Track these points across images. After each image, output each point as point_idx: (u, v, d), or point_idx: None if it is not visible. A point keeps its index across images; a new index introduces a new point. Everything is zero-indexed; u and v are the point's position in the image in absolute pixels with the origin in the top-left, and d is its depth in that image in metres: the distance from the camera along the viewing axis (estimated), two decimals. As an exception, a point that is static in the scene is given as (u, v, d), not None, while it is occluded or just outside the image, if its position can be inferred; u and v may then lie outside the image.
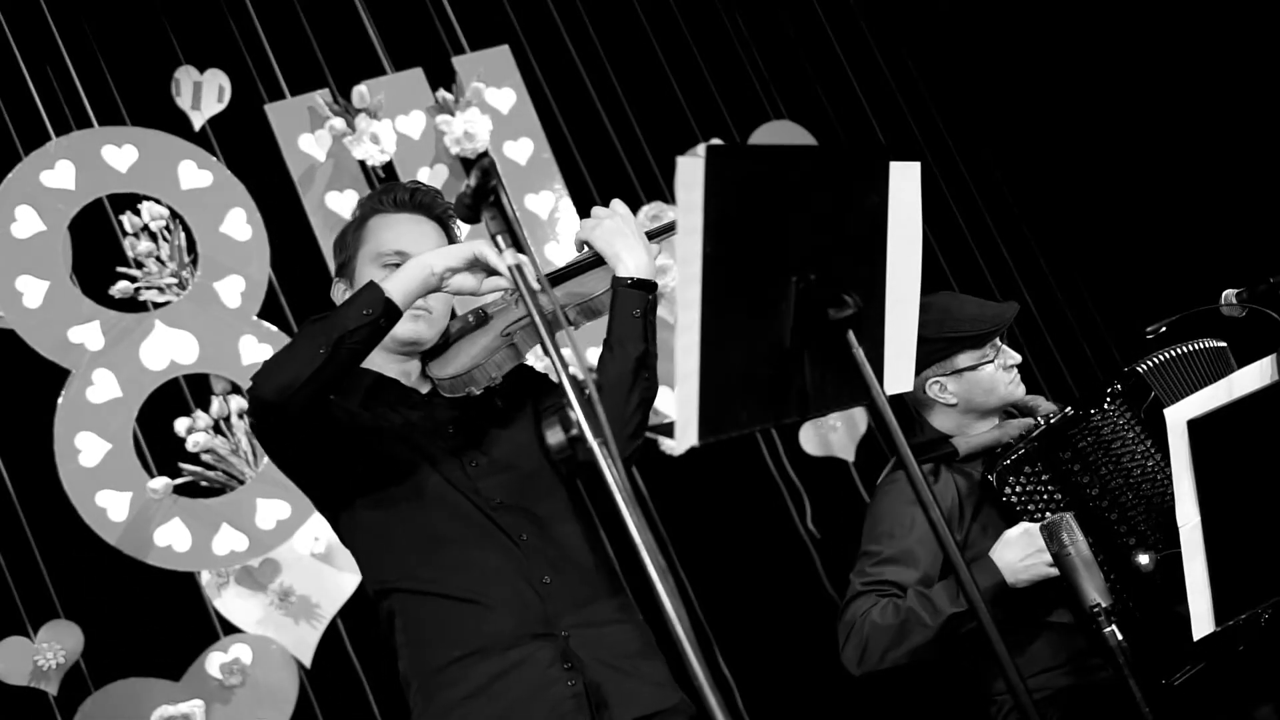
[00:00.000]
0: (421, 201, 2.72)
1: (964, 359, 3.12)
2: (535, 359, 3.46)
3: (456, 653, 2.50)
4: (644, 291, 2.53)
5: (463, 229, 2.83)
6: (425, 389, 2.68)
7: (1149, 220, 5.12)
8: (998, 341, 3.15)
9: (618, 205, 2.58)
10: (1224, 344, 3.20)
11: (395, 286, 2.41)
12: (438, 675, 2.50)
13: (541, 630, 2.50)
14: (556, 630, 2.51)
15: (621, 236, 2.54)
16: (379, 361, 2.63)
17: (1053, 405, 3.25)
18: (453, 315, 2.73)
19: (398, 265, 2.57)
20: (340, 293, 2.70)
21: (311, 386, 2.36)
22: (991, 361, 3.13)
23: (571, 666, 2.49)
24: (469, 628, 2.49)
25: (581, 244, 2.58)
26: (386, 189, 2.75)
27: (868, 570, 3.04)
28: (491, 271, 2.41)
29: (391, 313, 2.40)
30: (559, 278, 2.61)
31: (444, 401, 2.62)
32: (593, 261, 2.59)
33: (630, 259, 2.53)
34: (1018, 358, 3.17)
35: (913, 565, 3.01)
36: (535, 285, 2.08)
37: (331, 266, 2.83)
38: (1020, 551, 2.90)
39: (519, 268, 2.06)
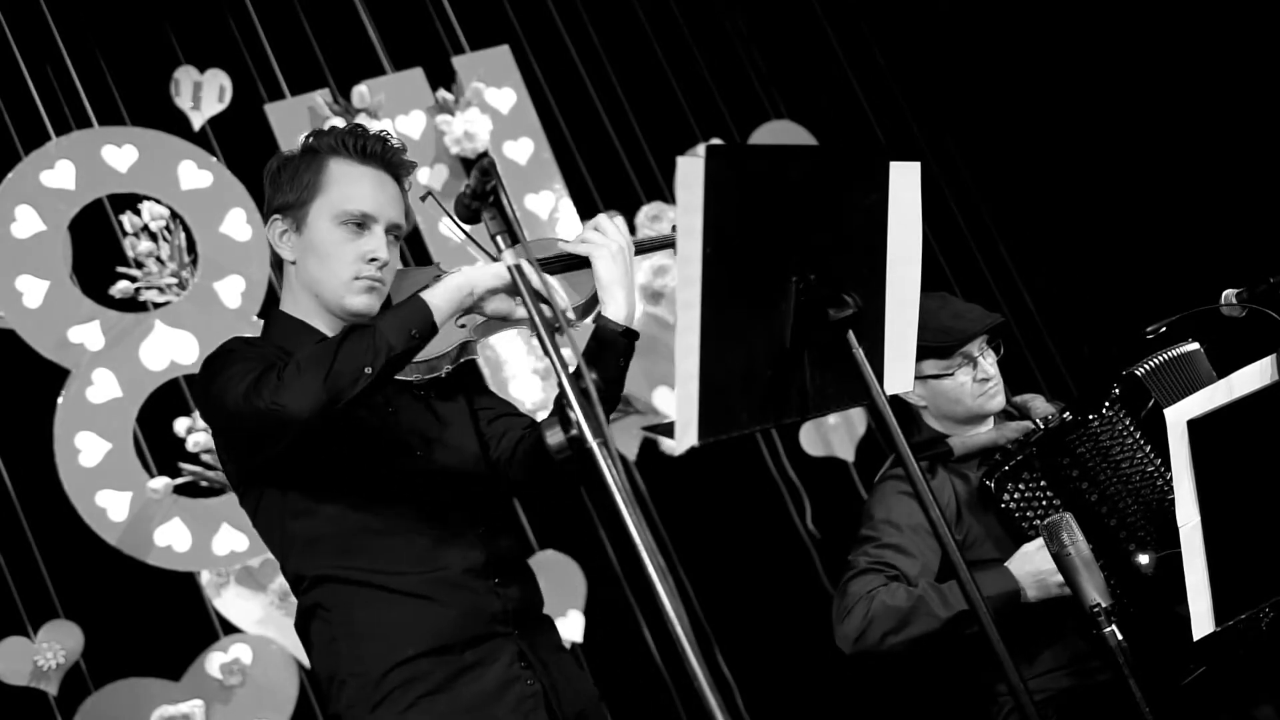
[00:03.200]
0: (391, 159, 2.54)
1: (928, 367, 3.11)
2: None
3: (410, 650, 2.41)
4: (630, 340, 2.46)
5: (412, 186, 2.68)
6: None
7: (1149, 220, 5.12)
8: (973, 352, 3.12)
9: (621, 226, 2.50)
10: (1197, 346, 3.21)
11: (439, 305, 2.29)
12: (389, 674, 2.40)
13: (499, 629, 2.46)
14: (511, 630, 2.48)
15: (620, 272, 2.45)
16: (322, 325, 2.52)
17: (1049, 406, 3.25)
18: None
19: (359, 226, 2.46)
20: (279, 235, 2.51)
21: (348, 404, 2.24)
22: (954, 374, 3.12)
23: (527, 665, 2.47)
24: (424, 625, 2.42)
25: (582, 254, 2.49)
26: (352, 131, 2.53)
27: (870, 551, 3.03)
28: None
29: (432, 334, 2.30)
30: (548, 268, 2.49)
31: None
32: (574, 264, 2.51)
33: (622, 298, 2.45)
34: (992, 371, 3.14)
35: (912, 555, 3.01)
36: (538, 288, 2.07)
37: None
38: (1036, 565, 2.90)
39: (518, 268, 2.06)
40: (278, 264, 2.58)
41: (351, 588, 2.43)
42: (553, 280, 2.30)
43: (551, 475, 2.58)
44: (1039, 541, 2.93)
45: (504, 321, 2.45)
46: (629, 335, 2.46)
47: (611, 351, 2.45)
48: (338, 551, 2.43)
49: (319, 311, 2.52)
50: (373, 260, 2.46)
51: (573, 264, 2.51)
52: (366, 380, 2.23)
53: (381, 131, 2.56)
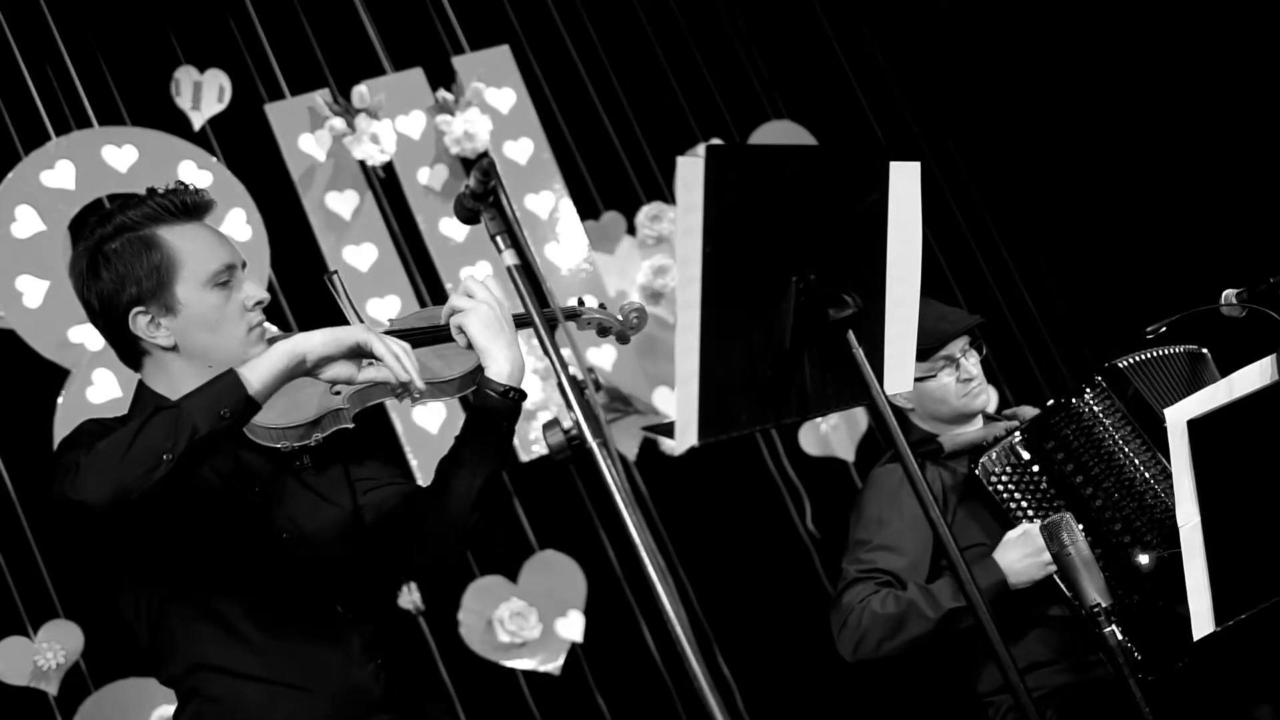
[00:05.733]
0: (204, 205, 2.41)
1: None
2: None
3: None
4: (516, 401, 2.32)
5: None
6: None
7: (1149, 220, 5.12)
8: (954, 354, 3.18)
9: (492, 285, 2.36)
10: (1205, 350, 3.23)
11: (259, 378, 2.13)
12: None
13: (379, 716, 2.37)
14: (390, 716, 2.38)
15: (496, 331, 2.30)
16: (190, 384, 2.30)
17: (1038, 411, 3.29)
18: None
19: (227, 283, 2.36)
20: (146, 326, 2.35)
21: (148, 493, 2.06)
22: (937, 375, 3.17)
23: None
24: (298, 716, 2.32)
25: (457, 329, 2.35)
26: (164, 195, 2.38)
27: (861, 557, 3.08)
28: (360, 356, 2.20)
29: (251, 411, 2.14)
30: (413, 340, 2.38)
31: (248, 444, 2.31)
32: (446, 334, 2.40)
33: (503, 356, 2.31)
34: (975, 371, 3.20)
35: (902, 552, 3.06)
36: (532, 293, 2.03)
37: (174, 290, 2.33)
38: (1020, 551, 2.94)
39: (515, 268, 2.03)
40: (130, 357, 2.43)
41: (225, 679, 2.33)
42: (402, 356, 2.22)
43: (413, 546, 2.45)
44: (1022, 526, 2.97)
45: (381, 389, 2.35)
46: (513, 395, 2.32)
47: (488, 415, 2.32)
48: (209, 643, 2.33)
49: (207, 377, 2.29)
50: (257, 304, 2.40)
51: (445, 335, 2.41)
52: (166, 467, 2.05)
53: (178, 183, 2.43)
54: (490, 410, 2.33)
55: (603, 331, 2.60)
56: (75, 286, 2.41)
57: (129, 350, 2.42)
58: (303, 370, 2.19)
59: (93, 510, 2.06)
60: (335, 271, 2.46)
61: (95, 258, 2.36)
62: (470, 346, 2.35)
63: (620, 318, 2.60)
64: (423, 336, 2.42)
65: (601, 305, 2.62)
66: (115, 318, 2.37)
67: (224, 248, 2.41)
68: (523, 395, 2.34)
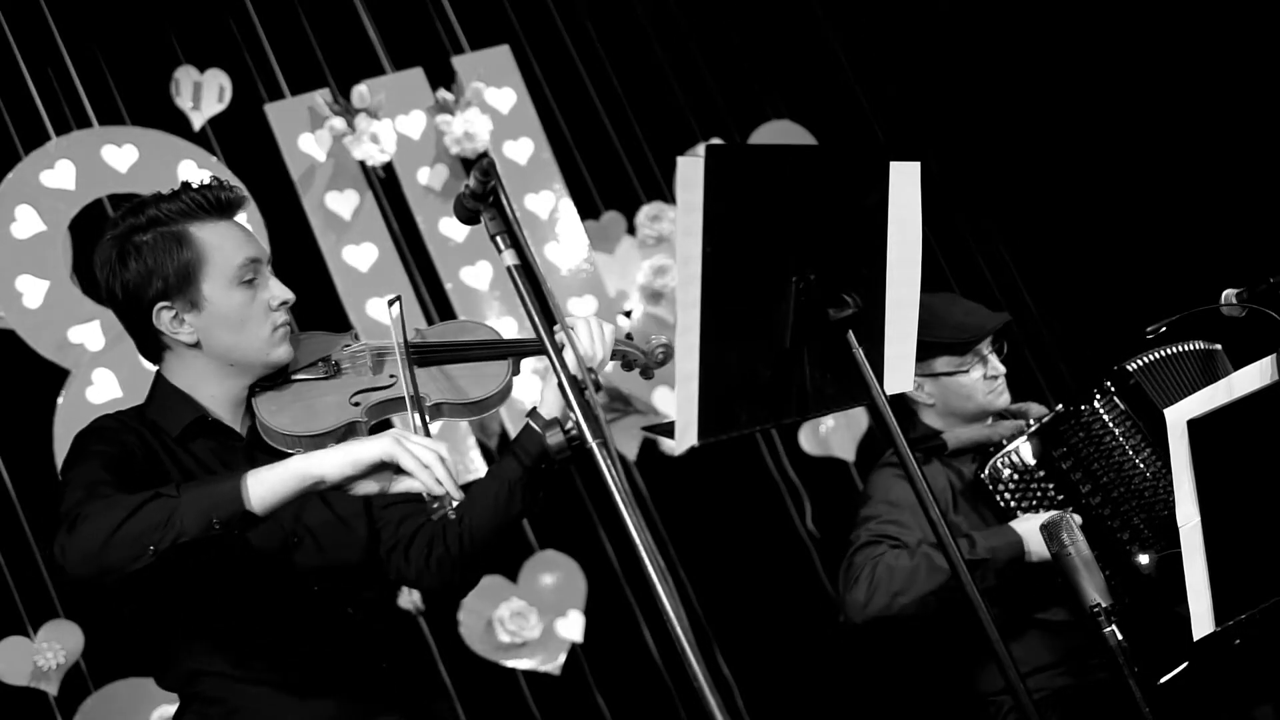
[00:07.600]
0: (236, 200, 2.41)
1: (942, 364, 3.15)
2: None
3: None
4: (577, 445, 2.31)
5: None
6: (245, 425, 2.42)
7: (1149, 220, 5.12)
8: (983, 350, 3.17)
9: (608, 333, 2.42)
10: (1218, 346, 3.22)
11: (262, 496, 2.07)
12: None
13: (383, 715, 2.38)
14: (396, 714, 2.39)
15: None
16: (211, 391, 2.39)
17: (1045, 409, 3.28)
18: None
19: (252, 280, 2.36)
20: (170, 321, 2.34)
21: (128, 577, 2.05)
22: (969, 370, 3.15)
23: None
24: (305, 717, 2.33)
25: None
26: (198, 190, 2.37)
27: (871, 526, 3.06)
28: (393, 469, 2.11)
29: (248, 523, 2.09)
30: (450, 356, 2.43)
31: (264, 446, 2.33)
32: (495, 353, 2.43)
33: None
34: (1002, 369, 3.19)
35: (912, 529, 3.04)
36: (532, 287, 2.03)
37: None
38: (1037, 524, 2.93)
39: (515, 268, 2.03)
40: (150, 350, 2.42)
41: (230, 682, 2.33)
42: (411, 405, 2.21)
43: (445, 573, 2.45)
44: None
45: (396, 403, 2.34)
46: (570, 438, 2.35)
47: (537, 451, 2.38)
48: (216, 647, 2.33)
49: (228, 376, 2.38)
50: (282, 304, 2.39)
51: (495, 354, 2.44)
52: (148, 559, 2.04)
53: (213, 179, 2.43)
54: (526, 447, 2.38)
55: (628, 366, 2.58)
56: (100, 275, 2.39)
57: (150, 343, 2.41)
58: (320, 489, 2.12)
59: (70, 578, 2.07)
60: (399, 298, 2.41)
61: (125, 247, 2.34)
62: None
63: (645, 350, 2.57)
64: (478, 351, 2.44)
65: (628, 336, 2.60)
66: (139, 310, 2.36)
67: (251, 243, 2.41)
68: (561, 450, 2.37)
